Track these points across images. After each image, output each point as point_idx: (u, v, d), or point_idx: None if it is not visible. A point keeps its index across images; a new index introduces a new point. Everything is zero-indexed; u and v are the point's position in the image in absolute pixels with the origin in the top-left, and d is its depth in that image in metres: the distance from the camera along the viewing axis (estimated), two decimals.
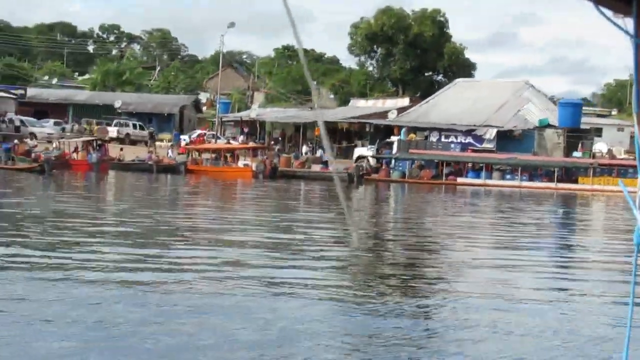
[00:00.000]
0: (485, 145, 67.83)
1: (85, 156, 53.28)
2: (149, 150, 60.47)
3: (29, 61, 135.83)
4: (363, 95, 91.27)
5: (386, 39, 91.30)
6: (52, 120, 77.56)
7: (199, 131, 76.71)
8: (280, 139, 76.83)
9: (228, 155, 58.01)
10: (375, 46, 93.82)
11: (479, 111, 70.90)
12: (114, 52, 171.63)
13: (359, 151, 68.55)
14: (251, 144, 62.34)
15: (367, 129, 73.42)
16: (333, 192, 45.82)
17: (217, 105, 77.92)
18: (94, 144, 55.16)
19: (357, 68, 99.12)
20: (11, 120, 66.66)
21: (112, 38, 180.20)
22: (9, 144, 52.69)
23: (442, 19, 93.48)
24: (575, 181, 60.18)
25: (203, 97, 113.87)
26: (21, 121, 69.11)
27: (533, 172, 61.80)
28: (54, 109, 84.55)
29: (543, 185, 59.23)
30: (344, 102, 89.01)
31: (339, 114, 79.23)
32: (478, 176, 60.97)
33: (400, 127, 69.90)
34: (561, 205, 46.14)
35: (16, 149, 51.32)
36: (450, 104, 73.24)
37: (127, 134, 77.40)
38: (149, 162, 57.11)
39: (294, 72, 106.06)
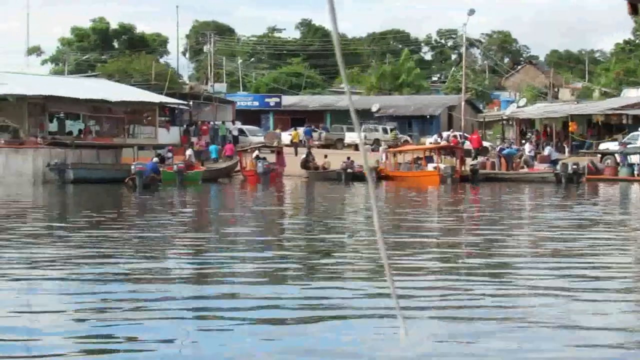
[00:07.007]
0: None
1: (254, 166, 49.85)
2: (347, 157, 55.88)
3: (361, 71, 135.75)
4: None
5: None
6: (301, 129, 75.47)
7: (446, 133, 70.47)
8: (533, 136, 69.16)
9: (420, 158, 52.07)
10: None
11: None
12: (453, 57, 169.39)
13: (604, 146, 59.80)
14: (443, 143, 55.91)
15: (625, 121, 64.21)
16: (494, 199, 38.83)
17: (463, 103, 71.79)
18: (259, 151, 51.72)
19: None
20: (229, 131, 64.95)
21: (450, 43, 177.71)
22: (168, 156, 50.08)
23: None
24: None
25: (503, 97, 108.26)
26: (240, 130, 67.27)
27: None
28: (312, 117, 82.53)
29: None
30: None
31: (601, 105, 70.28)
32: None
33: None
34: None
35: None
36: None
37: (377, 140, 73.25)
38: (338, 171, 52.61)
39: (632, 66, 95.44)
